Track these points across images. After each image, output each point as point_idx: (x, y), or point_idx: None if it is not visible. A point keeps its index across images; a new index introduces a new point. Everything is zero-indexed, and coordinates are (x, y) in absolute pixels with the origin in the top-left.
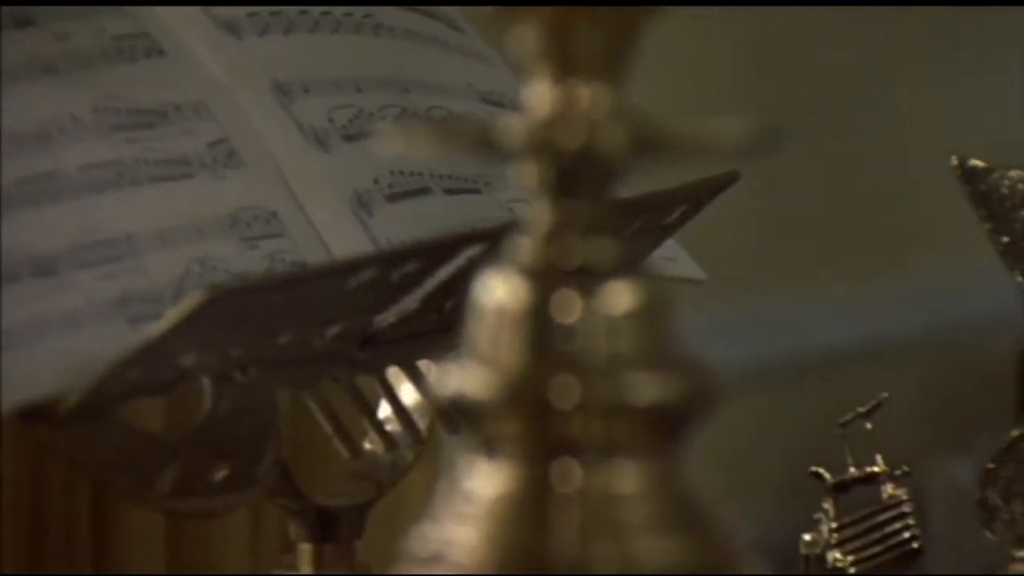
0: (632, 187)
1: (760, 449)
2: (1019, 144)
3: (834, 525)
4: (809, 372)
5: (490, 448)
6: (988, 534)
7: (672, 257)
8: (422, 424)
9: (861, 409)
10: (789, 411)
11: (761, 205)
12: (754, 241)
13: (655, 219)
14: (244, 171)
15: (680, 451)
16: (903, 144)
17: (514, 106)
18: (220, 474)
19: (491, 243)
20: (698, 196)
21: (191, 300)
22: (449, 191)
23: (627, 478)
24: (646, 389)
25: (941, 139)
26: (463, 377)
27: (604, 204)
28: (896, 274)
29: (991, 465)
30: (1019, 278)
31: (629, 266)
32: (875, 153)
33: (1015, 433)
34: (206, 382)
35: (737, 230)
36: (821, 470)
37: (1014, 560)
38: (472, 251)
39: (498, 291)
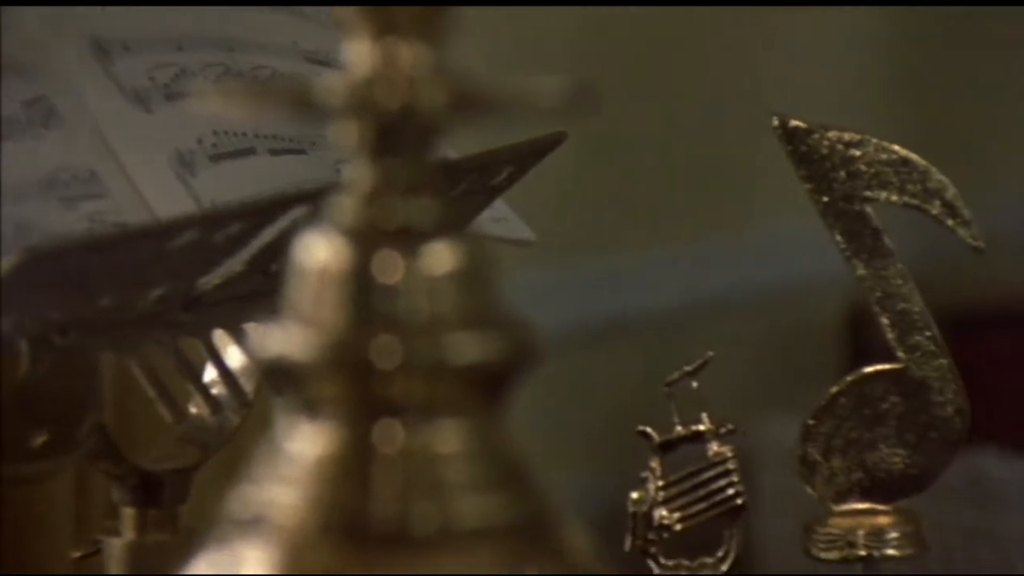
0: (462, 148)
1: (590, 408)
2: (839, 104)
3: (660, 483)
4: (638, 332)
5: (312, 409)
6: (808, 489)
7: (501, 218)
8: (248, 387)
9: (687, 368)
10: (619, 370)
11: (591, 166)
12: (585, 202)
13: (482, 180)
14: (62, 131)
15: (502, 411)
16: (729, 104)
17: (341, 65)
18: (39, 439)
19: (316, 204)
20: (524, 157)
21: (7, 262)
22: (274, 151)
23: (449, 438)
24: (468, 349)
25: (764, 100)
26: (284, 338)
27: (426, 164)
28: (723, 234)
29: (811, 421)
30: (838, 237)
31: (453, 226)
32: (701, 114)
33: (834, 390)
34: (24, 345)
35: (568, 191)
36: (648, 429)
37: (833, 515)
38: (297, 212)
39: (319, 252)
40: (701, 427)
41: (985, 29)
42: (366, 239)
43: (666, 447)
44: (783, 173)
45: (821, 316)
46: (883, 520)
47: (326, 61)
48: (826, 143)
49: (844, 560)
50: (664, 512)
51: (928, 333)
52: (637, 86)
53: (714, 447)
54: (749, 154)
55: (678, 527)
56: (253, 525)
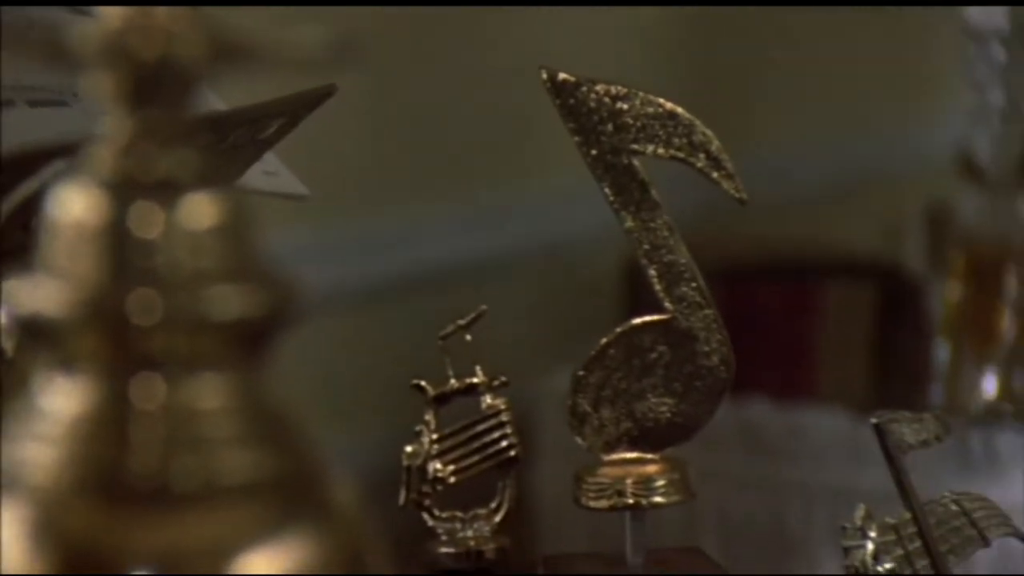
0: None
1: (372, 364)
2: (613, 62)
3: (435, 436)
4: (418, 288)
5: (68, 365)
6: (578, 440)
7: (273, 172)
8: (9, 344)
9: (461, 321)
10: (400, 326)
11: (372, 123)
12: (367, 158)
13: (250, 133)
14: None
15: (264, 365)
16: (506, 59)
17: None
18: None
19: (75, 156)
20: (294, 110)
21: None
22: (34, 103)
23: (210, 393)
24: (229, 304)
25: (539, 54)
26: (39, 294)
27: (185, 115)
28: (500, 190)
29: (581, 372)
30: (607, 190)
31: (214, 179)
32: (478, 69)
33: (604, 341)
34: None
35: (350, 147)
36: (422, 382)
37: (603, 464)
38: (57, 165)
39: (74, 205)
40: (475, 380)
41: None
42: (123, 192)
43: (440, 400)
44: (558, 128)
45: (600, 269)
46: (651, 469)
47: (89, 11)
48: (594, 96)
49: (613, 508)
50: (438, 465)
51: (694, 284)
52: (413, 42)
53: (488, 399)
54: (526, 109)
55: (452, 479)
56: (8, 485)
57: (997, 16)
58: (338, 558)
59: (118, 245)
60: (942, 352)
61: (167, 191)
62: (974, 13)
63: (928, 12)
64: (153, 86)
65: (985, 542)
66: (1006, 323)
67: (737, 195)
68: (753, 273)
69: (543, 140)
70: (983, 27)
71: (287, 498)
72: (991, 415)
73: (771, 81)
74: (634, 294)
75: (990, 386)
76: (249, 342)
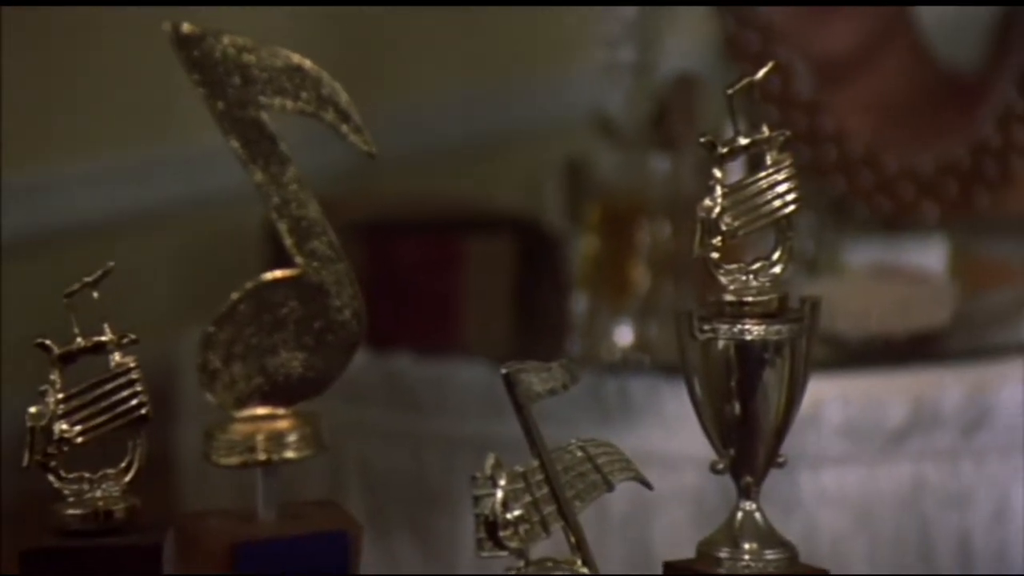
0: None
1: (11, 324)
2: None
3: (60, 396)
4: (55, 244)
5: None
6: (209, 397)
7: None
8: None
9: (87, 279)
10: (34, 284)
11: (10, 72)
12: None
13: None
14: None
15: None
16: (152, 8)
17: None
18: None
19: None
20: None
21: None
22: None
23: None
24: None
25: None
26: None
27: None
28: (142, 144)
29: (211, 329)
30: (235, 143)
31: None
32: (123, 22)
33: (234, 297)
34: None
35: None
36: (47, 341)
37: (234, 421)
38: None
39: None
40: (103, 338)
41: None
42: None
43: (66, 359)
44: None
45: (244, 225)
46: (282, 424)
47: None
48: (219, 48)
49: (244, 465)
50: (64, 425)
51: (325, 238)
52: None
53: (117, 357)
54: (169, 65)
55: (79, 440)
56: None
57: None
58: None
59: None
60: (579, 303)
61: None
62: None
63: None
64: None
65: (609, 487)
66: (639, 275)
67: (366, 148)
68: (393, 228)
69: (185, 95)
70: None
71: None
72: (626, 364)
73: (398, 38)
74: (277, 250)
75: (625, 336)
76: None
